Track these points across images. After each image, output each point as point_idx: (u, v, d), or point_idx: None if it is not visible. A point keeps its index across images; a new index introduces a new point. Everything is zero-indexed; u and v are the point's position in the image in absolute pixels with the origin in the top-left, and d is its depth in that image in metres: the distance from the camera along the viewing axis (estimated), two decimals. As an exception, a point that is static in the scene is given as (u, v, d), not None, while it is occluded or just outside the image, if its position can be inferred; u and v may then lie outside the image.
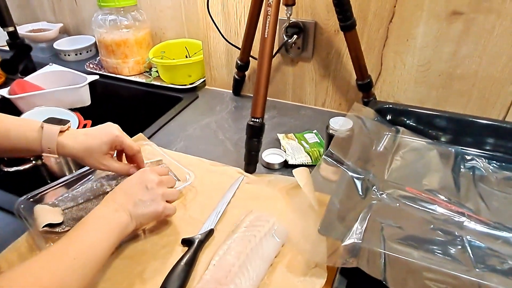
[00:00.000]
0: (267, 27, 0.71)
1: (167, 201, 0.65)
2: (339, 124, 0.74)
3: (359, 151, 0.69)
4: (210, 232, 0.66)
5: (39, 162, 1.03)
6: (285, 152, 0.87)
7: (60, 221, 0.66)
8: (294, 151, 0.87)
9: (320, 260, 0.57)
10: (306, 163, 0.84)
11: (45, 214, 0.66)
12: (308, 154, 0.86)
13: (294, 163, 0.84)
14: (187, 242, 0.64)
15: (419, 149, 0.76)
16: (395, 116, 0.80)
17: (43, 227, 0.64)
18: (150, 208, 0.62)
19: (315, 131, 0.96)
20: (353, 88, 0.99)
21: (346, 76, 0.98)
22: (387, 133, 0.79)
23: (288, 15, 0.88)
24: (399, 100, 0.96)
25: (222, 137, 0.95)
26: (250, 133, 0.77)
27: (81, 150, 0.66)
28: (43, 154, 0.66)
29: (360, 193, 0.61)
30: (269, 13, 0.72)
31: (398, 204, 0.62)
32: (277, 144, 0.92)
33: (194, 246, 0.62)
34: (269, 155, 0.87)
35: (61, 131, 0.66)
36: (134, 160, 0.72)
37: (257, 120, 0.76)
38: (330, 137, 0.75)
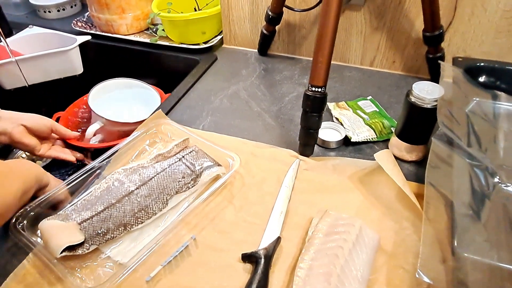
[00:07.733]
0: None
1: None
2: (427, 91, 0.57)
3: (461, 126, 0.53)
4: (277, 242, 0.50)
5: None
6: (342, 125, 0.70)
7: (82, 240, 0.49)
8: (353, 125, 0.70)
9: (437, 276, 0.42)
10: (371, 139, 0.68)
11: (59, 233, 0.49)
12: (370, 127, 0.69)
13: (357, 140, 0.67)
14: (249, 258, 0.49)
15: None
16: (490, 77, 0.63)
17: (62, 251, 0.47)
18: None
19: (369, 97, 0.78)
20: (413, 42, 0.81)
21: (406, 27, 0.79)
22: (476, 99, 0.62)
23: None
24: (471, 55, 0.79)
25: (257, 109, 0.77)
26: (310, 106, 0.59)
27: None
28: None
29: (486, 188, 0.45)
30: None
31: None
32: (327, 115, 0.74)
33: (261, 265, 0.47)
34: (324, 130, 0.70)
35: None
36: None
37: (319, 89, 0.58)
38: (411, 108, 0.59)
